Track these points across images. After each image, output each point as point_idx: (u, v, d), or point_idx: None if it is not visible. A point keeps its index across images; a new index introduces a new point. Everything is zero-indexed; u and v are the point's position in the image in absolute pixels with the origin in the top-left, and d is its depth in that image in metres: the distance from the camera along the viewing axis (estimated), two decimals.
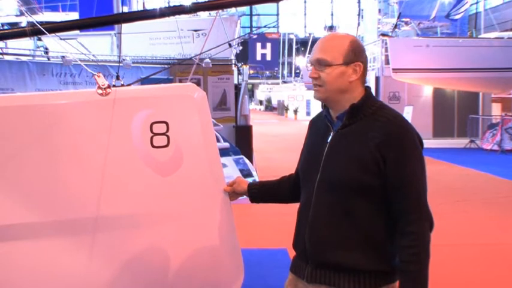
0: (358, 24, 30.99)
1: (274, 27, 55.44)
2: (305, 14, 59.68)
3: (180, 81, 10.85)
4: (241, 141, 11.76)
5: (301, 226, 2.26)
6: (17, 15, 19.31)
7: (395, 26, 21.67)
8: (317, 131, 2.32)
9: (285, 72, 58.75)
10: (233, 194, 2.56)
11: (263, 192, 2.58)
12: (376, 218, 2.12)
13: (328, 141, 2.21)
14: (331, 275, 2.14)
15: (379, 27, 26.52)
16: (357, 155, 2.10)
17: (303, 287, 2.24)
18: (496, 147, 17.32)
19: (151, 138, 2.37)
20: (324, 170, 2.18)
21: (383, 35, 21.06)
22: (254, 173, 9.53)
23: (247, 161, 8.44)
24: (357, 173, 2.09)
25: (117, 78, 2.46)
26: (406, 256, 2.06)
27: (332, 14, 54.13)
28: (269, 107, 60.27)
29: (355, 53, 2.16)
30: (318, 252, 2.17)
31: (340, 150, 2.16)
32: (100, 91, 2.35)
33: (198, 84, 10.82)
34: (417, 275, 2.05)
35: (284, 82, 55.92)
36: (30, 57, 12.03)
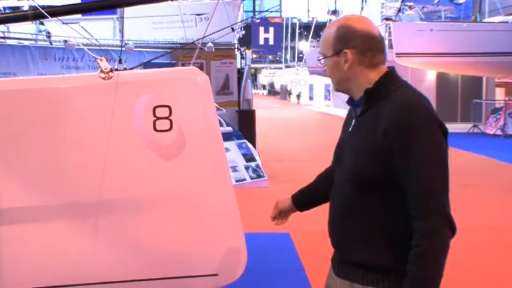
0: (362, 8, 30.75)
1: (277, 11, 55.01)
2: None
3: (183, 65, 10.81)
4: (244, 125, 11.74)
5: (329, 219, 2.17)
6: None
7: (399, 10, 21.57)
8: (348, 119, 2.22)
9: (288, 56, 58.48)
10: (283, 214, 2.60)
11: (305, 198, 2.54)
12: (391, 212, 1.95)
13: (350, 129, 2.13)
14: (352, 271, 2.06)
15: (382, 11, 26.35)
16: (365, 145, 1.96)
17: (335, 279, 2.17)
18: (499, 132, 17.31)
19: (154, 122, 2.37)
20: (341, 161, 2.10)
21: (386, 19, 20.94)
22: (257, 157, 9.53)
23: (250, 145, 8.44)
24: (365, 164, 1.94)
25: (120, 62, 2.47)
26: (411, 255, 1.85)
27: None
28: (272, 91, 60.22)
29: (341, 41, 2.05)
30: (340, 248, 2.12)
31: (353, 140, 2.06)
32: (103, 75, 2.35)
33: (201, 68, 10.74)
34: (418, 279, 1.83)
35: (287, 66, 55.71)
36: (33, 42, 11.97)
